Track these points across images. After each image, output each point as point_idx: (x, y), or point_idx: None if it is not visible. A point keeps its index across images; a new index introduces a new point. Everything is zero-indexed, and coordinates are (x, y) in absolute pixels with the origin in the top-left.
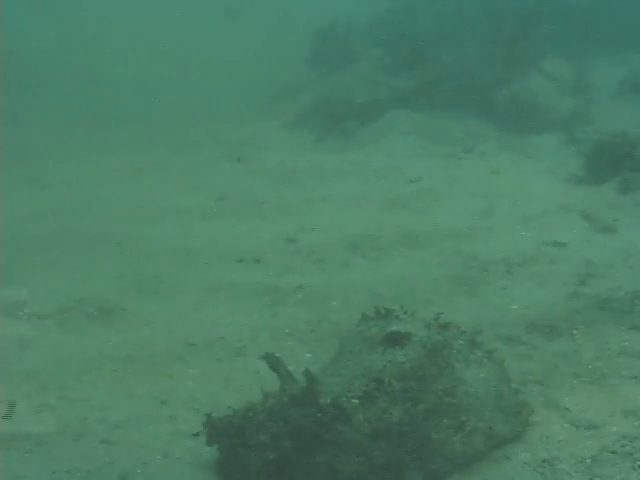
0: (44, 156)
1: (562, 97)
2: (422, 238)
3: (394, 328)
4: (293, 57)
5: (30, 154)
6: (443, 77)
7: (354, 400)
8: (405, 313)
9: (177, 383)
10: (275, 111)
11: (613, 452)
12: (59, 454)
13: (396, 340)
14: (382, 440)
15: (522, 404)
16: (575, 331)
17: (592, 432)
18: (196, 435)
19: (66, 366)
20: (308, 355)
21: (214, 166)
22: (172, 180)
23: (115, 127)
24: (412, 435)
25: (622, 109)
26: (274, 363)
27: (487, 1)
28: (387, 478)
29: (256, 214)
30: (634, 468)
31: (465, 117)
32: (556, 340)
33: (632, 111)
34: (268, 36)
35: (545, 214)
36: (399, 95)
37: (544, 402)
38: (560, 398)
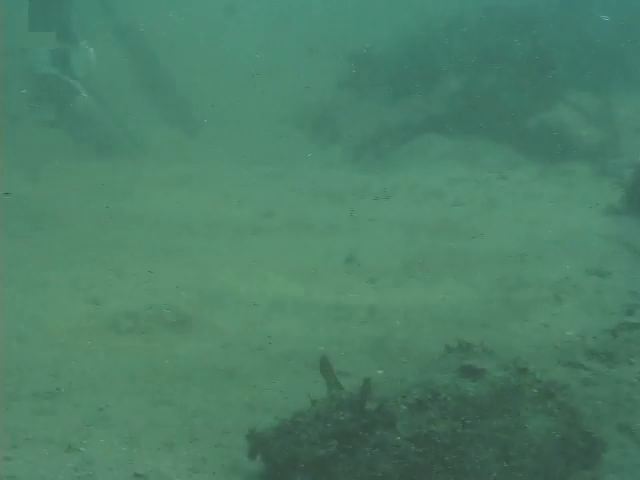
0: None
1: (589, 128)
2: (471, 262)
3: (471, 362)
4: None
5: None
6: (475, 104)
7: (403, 406)
8: (484, 351)
9: (263, 393)
10: (309, 130)
11: None
12: (187, 455)
13: (470, 373)
14: (420, 446)
15: (593, 443)
16: (633, 359)
17: None
18: None
19: (159, 373)
20: (380, 372)
21: (259, 181)
22: (219, 193)
23: None
24: (450, 449)
25: None
26: (326, 369)
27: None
28: None
29: (306, 231)
30: None
31: (496, 144)
32: (616, 367)
33: None
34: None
35: (588, 243)
36: (432, 119)
37: (617, 427)
38: (632, 424)
